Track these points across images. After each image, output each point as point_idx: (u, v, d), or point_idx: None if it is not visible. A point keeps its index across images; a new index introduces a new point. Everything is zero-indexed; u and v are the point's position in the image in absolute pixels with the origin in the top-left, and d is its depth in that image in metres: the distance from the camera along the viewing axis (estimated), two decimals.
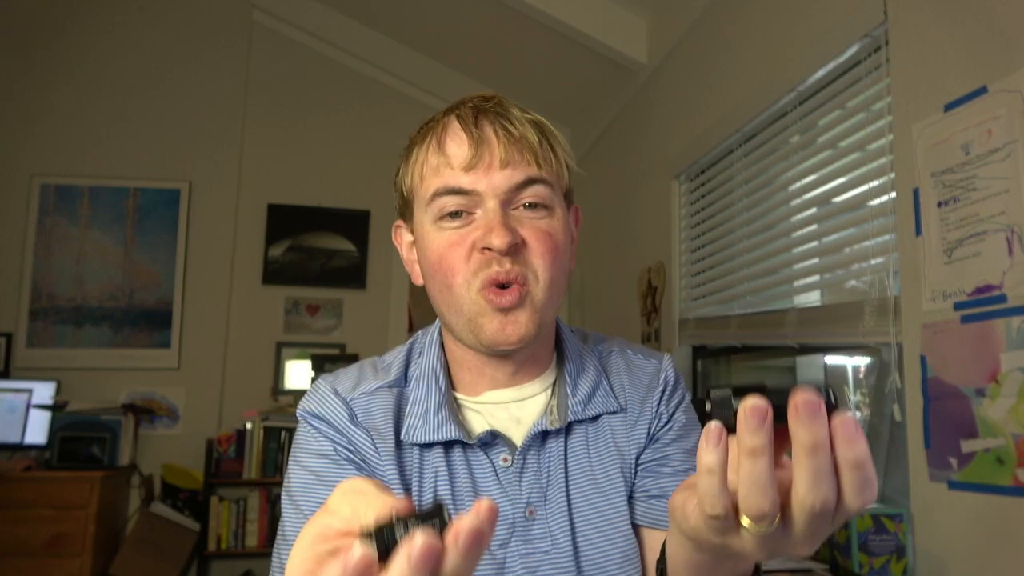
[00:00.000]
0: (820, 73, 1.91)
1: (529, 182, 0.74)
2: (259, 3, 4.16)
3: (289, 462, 0.78)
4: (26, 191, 3.83)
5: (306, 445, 0.77)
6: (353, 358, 3.85)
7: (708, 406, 0.45)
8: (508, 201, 0.73)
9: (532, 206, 0.74)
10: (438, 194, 0.74)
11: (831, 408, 0.42)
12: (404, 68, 4.22)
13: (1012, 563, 1.29)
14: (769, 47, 2.19)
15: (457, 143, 0.74)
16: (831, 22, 1.86)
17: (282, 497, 0.77)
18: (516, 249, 0.72)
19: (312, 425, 0.78)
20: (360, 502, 0.39)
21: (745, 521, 0.43)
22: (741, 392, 0.44)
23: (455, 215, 0.74)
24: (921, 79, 1.53)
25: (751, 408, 0.41)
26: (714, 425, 0.44)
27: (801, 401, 0.41)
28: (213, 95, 4.08)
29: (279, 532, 0.75)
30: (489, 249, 0.71)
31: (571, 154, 0.81)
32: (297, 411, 0.80)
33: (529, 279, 0.73)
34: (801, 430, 0.41)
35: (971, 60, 1.41)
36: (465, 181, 0.73)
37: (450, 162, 0.73)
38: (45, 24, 3.95)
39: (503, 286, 0.72)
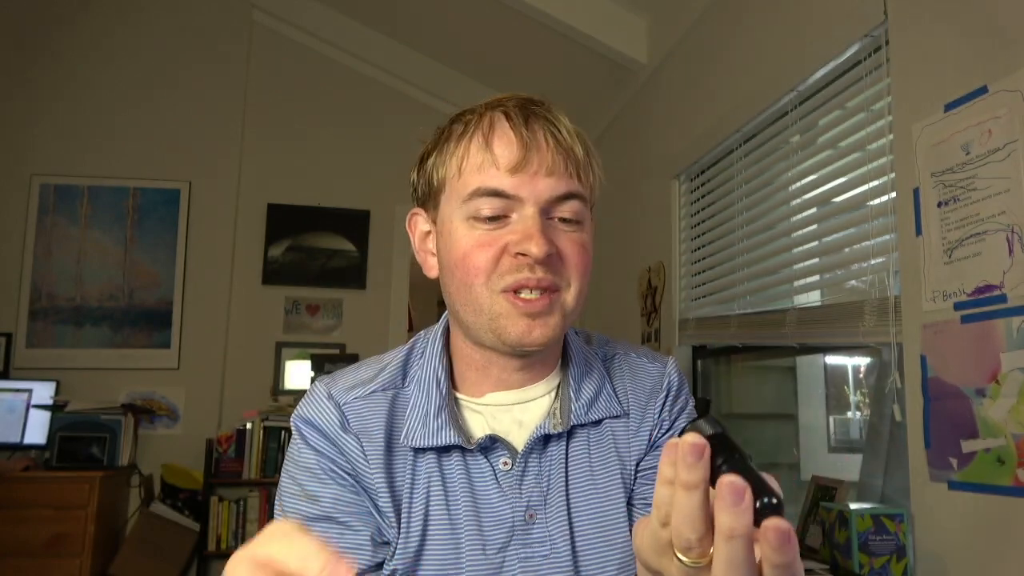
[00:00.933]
0: (820, 73, 1.91)
1: (569, 196, 0.73)
2: (259, 3, 4.15)
3: (283, 468, 0.79)
4: (26, 191, 3.83)
5: (296, 456, 0.77)
6: (353, 358, 3.85)
7: (687, 426, 0.45)
8: (547, 210, 0.73)
9: (568, 221, 0.74)
10: (478, 193, 0.72)
11: (773, 507, 0.40)
12: (404, 68, 4.22)
13: (1012, 563, 1.29)
14: (769, 47, 2.19)
15: (506, 143, 0.72)
16: (831, 22, 1.86)
17: (275, 502, 0.77)
18: (551, 259, 0.72)
19: (303, 434, 0.77)
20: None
21: (675, 548, 0.44)
22: (719, 439, 0.43)
23: (492, 217, 0.73)
24: (921, 79, 1.53)
25: (689, 445, 0.41)
26: (672, 442, 0.44)
27: (726, 483, 0.40)
28: (213, 95, 4.08)
29: None
30: (523, 255, 0.71)
31: (602, 166, 0.81)
32: (292, 416, 0.80)
33: (562, 287, 0.74)
34: (721, 514, 0.41)
35: (971, 60, 1.41)
36: (508, 184, 0.71)
37: (496, 161, 0.72)
38: (45, 24, 3.95)
39: (531, 291, 0.72)
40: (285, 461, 0.78)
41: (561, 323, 0.74)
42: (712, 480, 0.42)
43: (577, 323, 0.84)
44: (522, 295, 0.72)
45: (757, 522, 0.40)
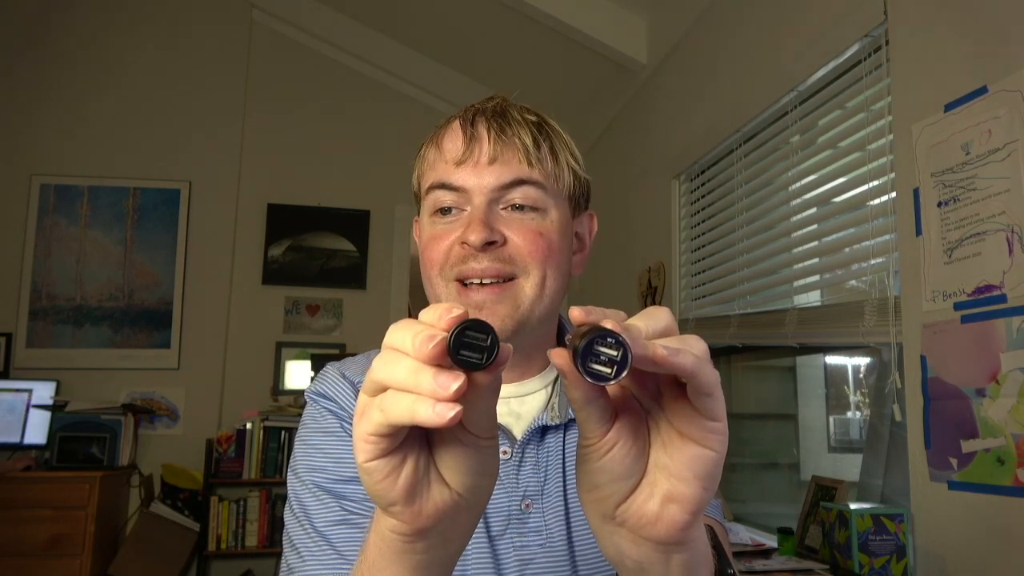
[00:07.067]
0: (820, 73, 1.91)
1: (518, 183, 0.74)
2: (259, 3, 4.15)
3: (296, 443, 0.79)
4: (26, 191, 3.83)
5: (312, 424, 0.78)
6: None
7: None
8: (495, 200, 0.74)
9: (521, 207, 0.75)
10: (432, 188, 0.76)
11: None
12: (404, 68, 4.22)
13: (1012, 563, 1.29)
14: (769, 47, 2.19)
15: (452, 139, 0.76)
16: (831, 22, 1.86)
17: (288, 477, 0.77)
18: (494, 247, 0.73)
19: (320, 405, 0.79)
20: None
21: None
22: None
23: (447, 211, 0.76)
24: (921, 79, 1.53)
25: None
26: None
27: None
28: (213, 95, 4.08)
29: (287, 510, 0.75)
30: (467, 244, 0.72)
31: (579, 158, 0.81)
32: (305, 393, 0.81)
33: (517, 274, 0.73)
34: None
35: (971, 60, 1.41)
36: (455, 177, 0.74)
37: (444, 157, 0.76)
38: (45, 24, 3.95)
39: (480, 283, 0.73)
40: (298, 434, 0.79)
41: (512, 315, 0.73)
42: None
43: None
44: (468, 285, 0.73)
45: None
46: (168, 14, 4.09)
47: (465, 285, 0.73)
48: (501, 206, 0.74)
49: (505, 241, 0.73)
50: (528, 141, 0.75)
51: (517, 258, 0.73)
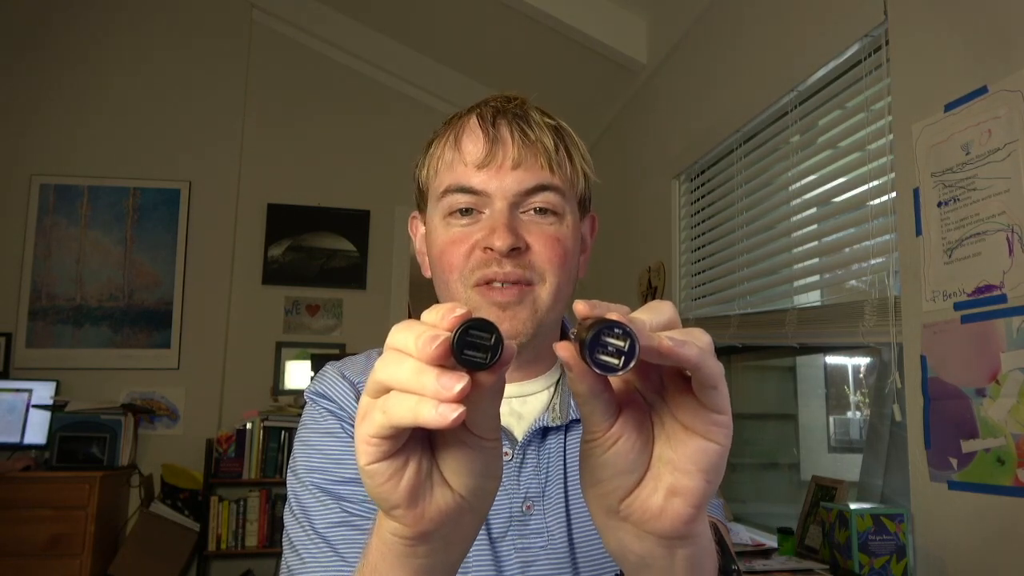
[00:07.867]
0: (820, 73, 1.91)
1: (540, 188, 0.74)
2: (259, 3, 4.15)
3: (295, 444, 0.78)
4: (26, 191, 3.83)
5: (312, 425, 0.78)
6: None
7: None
8: (517, 204, 0.74)
9: (542, 212, 0.74)
10: (449, 191, 0.74)
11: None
12: (404, 68, 4.22)
13: (1012, 563, 1.29)
14: (769, 47, 2.19)
15: (472, 140, 0.74)
16: (831, 22, 1.86)
17: (288, 478, 0.77)
18: (518, 253, 0.72)
19: (320, 405, 0.78)
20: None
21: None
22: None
23: (465, 212, 0.74)
24: (921, 79, 1.53)
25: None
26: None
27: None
28: (213, 95, 4.08)
29: (287, 511, 0.75)
30: (490, 249, 0.72)
31: (589, 162, 0.81)
32: (305, 393, 0.81)
33: (535, 281, 0.73)
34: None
35: (971, 60, 1.41)
36: (476, 180, 0.73)
37: (464, 159, 0.74)
38: (45, 24, 3.95)
39: (501, 284, 0.72)
40: (298, 434, 0.78)
41: (532, 318, 0.73)
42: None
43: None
44: (492, 286, 0.73)
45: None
46: (168, 14, 4.09)
47: (487, 286, 0.73)
48: (521, 210, 0.74)
49: (528, 247, 0.73)
50: (550, 145, 0.74)
51: (537, 265, 0.73)
